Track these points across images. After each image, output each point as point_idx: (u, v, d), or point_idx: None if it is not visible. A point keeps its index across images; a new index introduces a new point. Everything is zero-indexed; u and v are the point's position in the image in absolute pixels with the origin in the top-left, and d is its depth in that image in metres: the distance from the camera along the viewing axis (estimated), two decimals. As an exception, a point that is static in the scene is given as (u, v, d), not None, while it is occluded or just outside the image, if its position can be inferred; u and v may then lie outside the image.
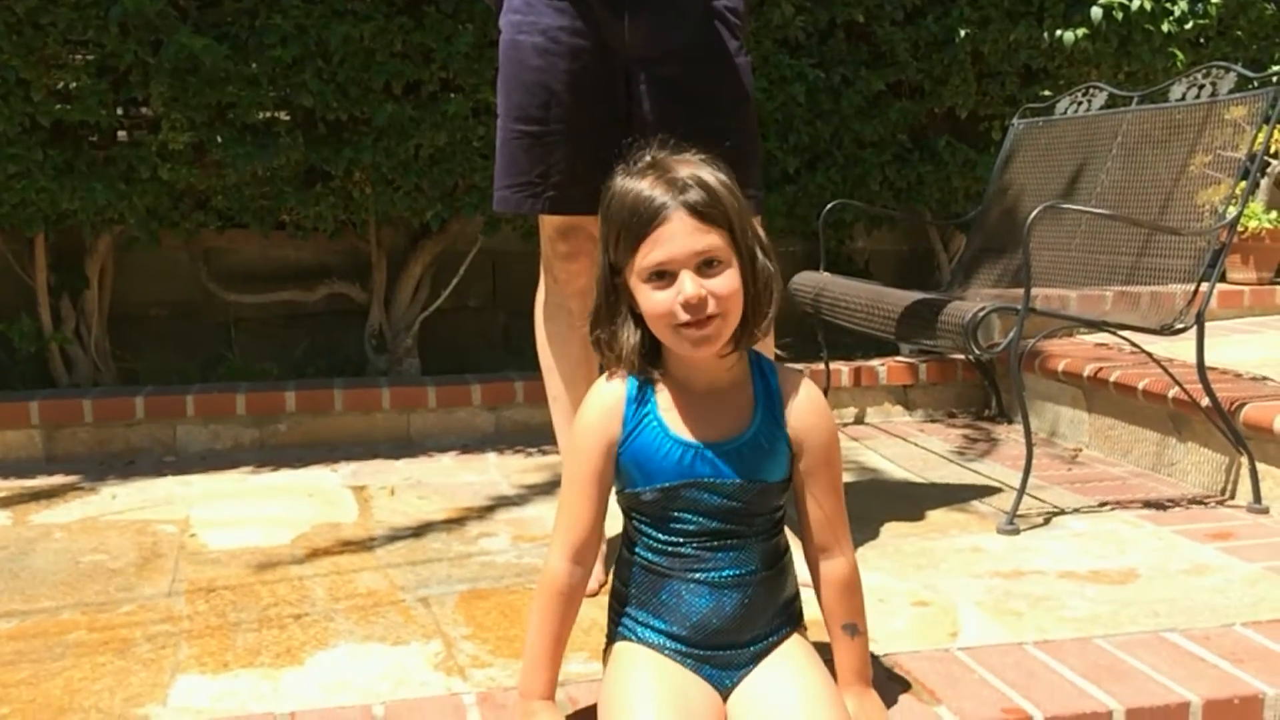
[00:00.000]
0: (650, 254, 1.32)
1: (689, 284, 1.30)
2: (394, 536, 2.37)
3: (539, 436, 3.22)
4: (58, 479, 2.88)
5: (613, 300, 1.40)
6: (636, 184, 1.35)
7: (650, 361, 1.41)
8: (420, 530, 2.41)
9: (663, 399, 1.41)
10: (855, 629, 1.44)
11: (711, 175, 1.35)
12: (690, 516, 1.38)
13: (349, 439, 3.26)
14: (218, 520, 2.49)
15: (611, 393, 1.42)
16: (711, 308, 1.31)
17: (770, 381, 1.43)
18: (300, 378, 3.55)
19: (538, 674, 1.41)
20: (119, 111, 3.31)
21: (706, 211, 1.31)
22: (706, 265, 1.32)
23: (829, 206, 3.31)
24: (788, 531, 1.48)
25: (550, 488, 2.73)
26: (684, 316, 1.31)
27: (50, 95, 3.13)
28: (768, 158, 3.70)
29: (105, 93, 3.17)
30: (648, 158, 1.39)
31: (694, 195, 1.32)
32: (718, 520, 1.38)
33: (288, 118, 3.39)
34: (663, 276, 1.32)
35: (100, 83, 3.15)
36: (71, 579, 2.11)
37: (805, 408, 1.43)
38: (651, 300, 1.33)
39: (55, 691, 1.61)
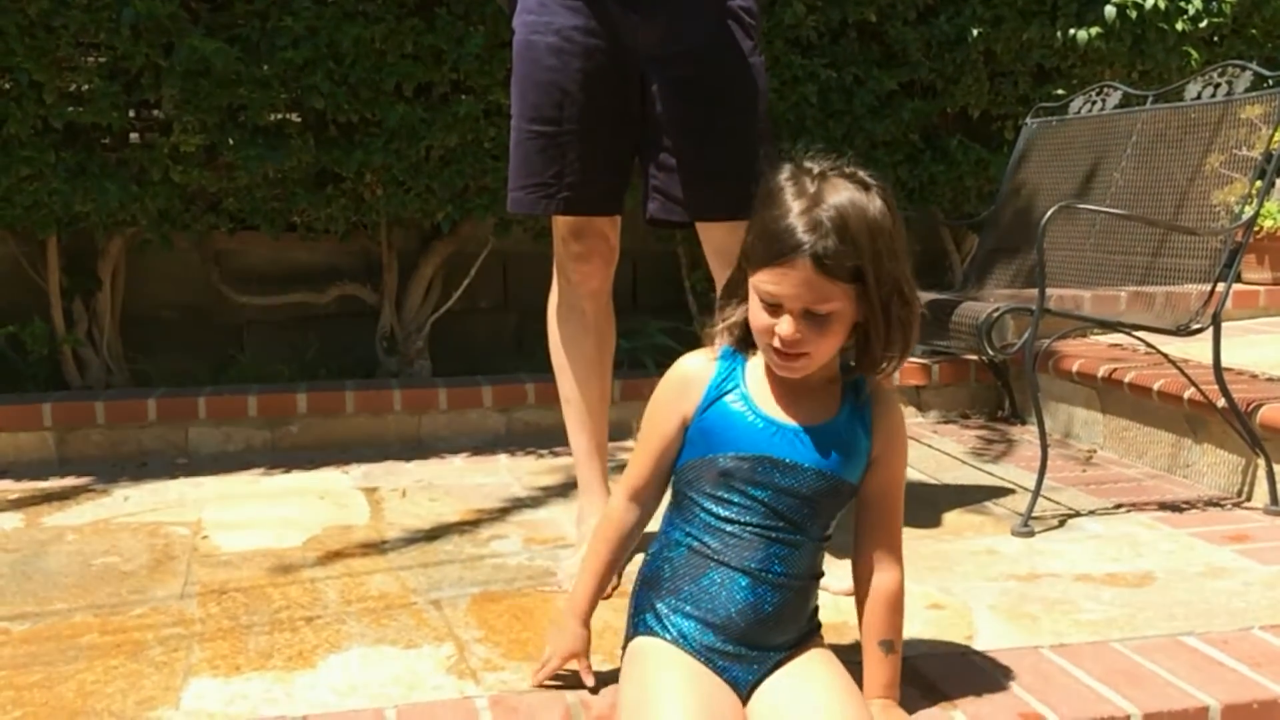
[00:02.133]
0: (767, 282, 1.33)
1: (786, 326, 1.33)
2: (406, 539, 2.36)
3: (551, 438, 3.21)
4: (70, 481, 2.89)
5: (738, 280, 1.42)
6: (789, 203, 1.31)
7: (747, 341, 1.44)
8: (432, 532, 2.40)
9: (752, 377, 1.43)
10: (891, 646, 1.44)
11: (859, 218, 1.30)
12: (760, 494, 1.39)
13: (360, 440, 3.26)
14: (230, 522, 2.49)
15: (695, 365, 1.46)
16: (804, 348, 1.34)
17: (861, 387, 1.44)
18: (311, 379, 3.55)
19: (583, 598, 1.53)
20: (131, 114, 3.32)
21: (834, 268, 1.29)
22: (809, 312, 1.32)
23: (841, 207, 3.29)
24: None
25: (563, 490, 2.72)
26: (777, 344, 1.34)
27: (62, 98, 3.14)
28: (780, 158, 3.68)
29: (117, 95, 3.18)
30: (818, 167, 1.34)
31: (828, 245, 1.28)
32: (783, 506, 1.39)
33: (299, 119, 3.39)
34: (771, 304, 1.34)
35: (112, 85, 3.16)
36: (84, 581, 2.11)
37: (892, 421, 1.44)
38: (757, 315, 1.36)
39: (68, 694, 1.61)
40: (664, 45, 1.95)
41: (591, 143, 1.98)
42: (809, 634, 1.46)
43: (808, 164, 1.35)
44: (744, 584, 1.38)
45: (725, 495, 1.40)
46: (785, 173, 1.36)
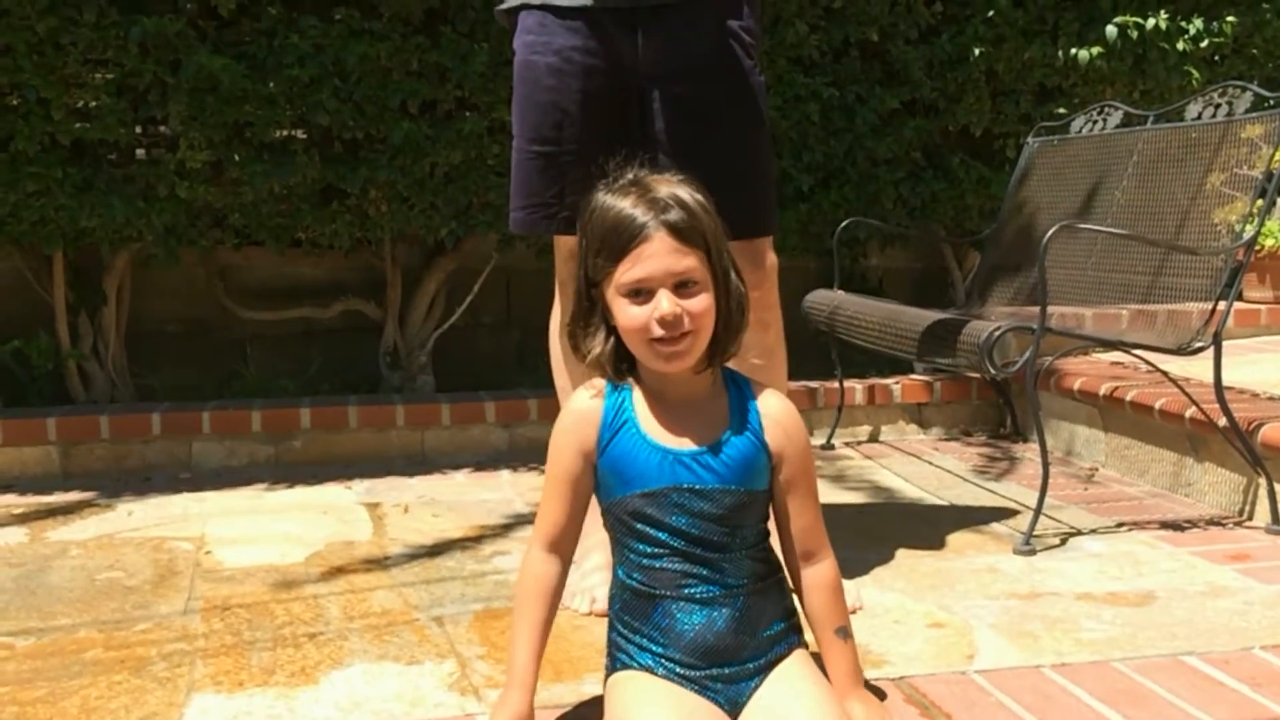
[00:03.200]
0: (630, 271, 1.36)
1: (665, 302, 1.35)
2: (409, 555, 2.37)
3: (553, 454, 3.21)
4: (74, 495, 2.90)
5: (588, 308, 1.44)
6: (618, 201, 1.39)
7: (626, 371, 1.46)
8: (435, 548, 2.41)
9: (640, 408, 1.44)
10: (846, 631, 1.46)
11: (690, 196, 1.40)
12: (676, 523, 1.39)
13: (363, 456, 3.26)
14: (233, 537, 2.50)
15: (586, 403, 1.47)
16: (685, 325, 1.36)
17: (745, 393, 1.47)
18: (315, 395, 3.56)
19: (526, 665, 1.42)
20: (138, 130, 3.34)
21: (686, 232, 1.36)
22: (682, 285, 1.37)
23: (843, 225, 3.31)
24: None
25: (564, 506, 2.72)
26: (658, 332, 1.36)
27: (70, 114, 3.16)
28: (782, 176, 3.70)
29: (125, 111, 3.20)
30: (630, 175, 1.44)
31: (674, 216, 1.36)
32: (701, 530, 1.39)
33: (304, 136, 3.41)
34: (640, 293, 1.37)
35: (120, 102, 3.18)
36: (88, 596, 2.12)
37: (782, 420, 1.46)
38: (628, 314, 1.38)
39: (72, 710, 1.62)
40: (663, 64, 1.96)
41: (591, 162, 1.95)
42: (786, 635, 1.45)
43: (618, 177, 1.44)
44: (693, 609, 1.39)
45: (644, 530, 1.41)
46: (600, 189, 1.43)
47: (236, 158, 3.27)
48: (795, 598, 1.50)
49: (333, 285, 3.76)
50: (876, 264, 4.16)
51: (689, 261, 1.36)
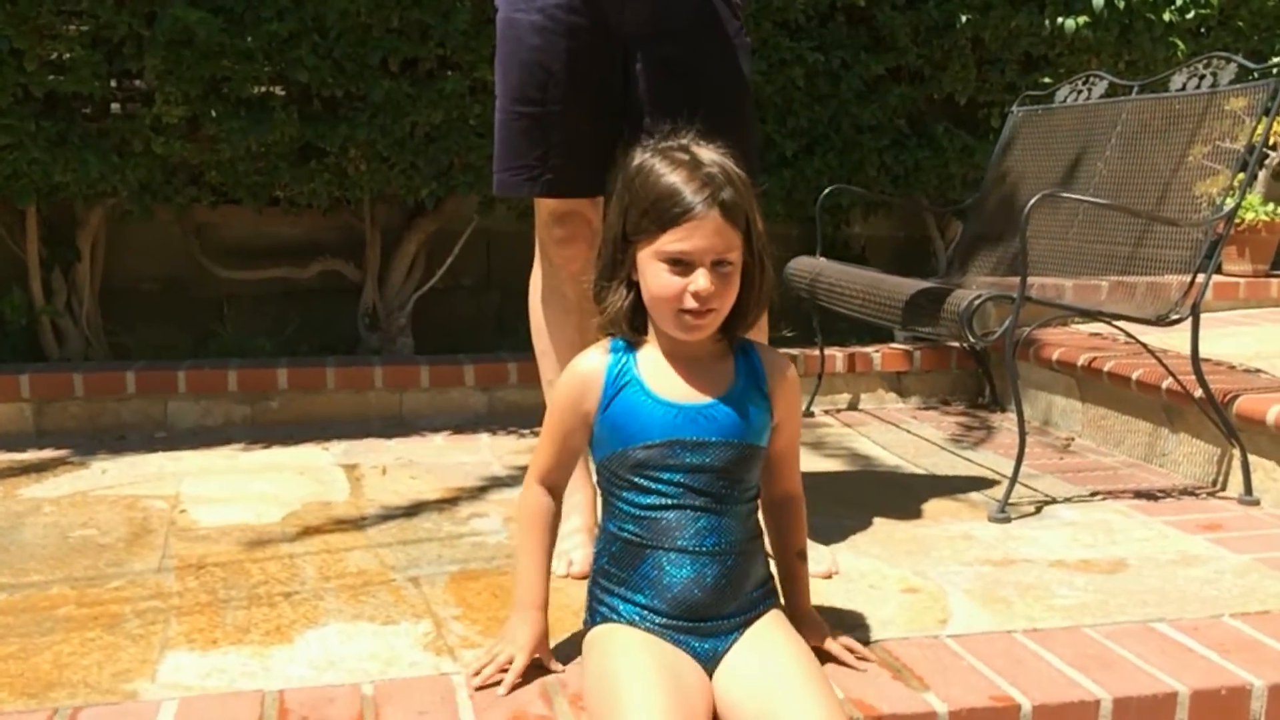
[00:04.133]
0: (675, 242, 1.38)
1: (703, 279, 1.38)
2: (386, 516, 2.36)
3: (532, 417, 3.19)
4: (48, 453, 2.87)
5: (616, 262, 1.46)
6: (671, 170, 1.40)
7: (635, 327, 1.48)
8: (412, 510, 2.41)
9: (646, 365, 1.47)
10: (803, 554, 1.59)
11: (736, 172, 1.42)
12: (674, 477, 1.42)
13: (341, 417, 3.25)
14: (208, 497, 2.48)
15: (590, 365, 1.49)
16: (714, 303, 1.40)
17: (752, 356, 1.51)
18: (293, 355, 3.54)
19: (538, 588, 1.52)
20: (112, 84, 3.29)
21: (734, 214, 1.39)
22: (718, 263, 1.39)
23: (826, 191, 3.30)
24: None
25: (542, 469, 2.72)
26: (691, 304, 1.39)
27: (43, 66, 3.11)
28: (766, 141, 3.68)
29: (99, 64, 3.15)
30: (681, 141, 1.45)
31: (727, 195, 1.38)
32: (700, 483, 1.42)
33: (283, 93, 3.36)
34: (679, 264, 1.38)
35: (94, 54, 3.12)
36: (60, 554, 2.10)
37: (788, 386, 1.51)
38: (663, 281, 1.39)
39: (44, 666, 1.61)
40: (648, 24, 1.93)
41: (575, 123, 1.97)
42: (764, 598, 1.49)
43: (663, 143, 1.45)
44: (684, 562, 1.42)
45: (643, 483, 1.43)
46: (647, 152, 1.44)
47: (213, 114, 3.22)
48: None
49: (311, 245, 3.73)
50: (859, 232, 4.15)
51: (732, 242, 1.39)
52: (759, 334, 2.07)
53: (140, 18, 3.10)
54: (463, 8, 3.29)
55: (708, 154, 1.42)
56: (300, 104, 3.35)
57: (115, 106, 3.35)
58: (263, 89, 3.33)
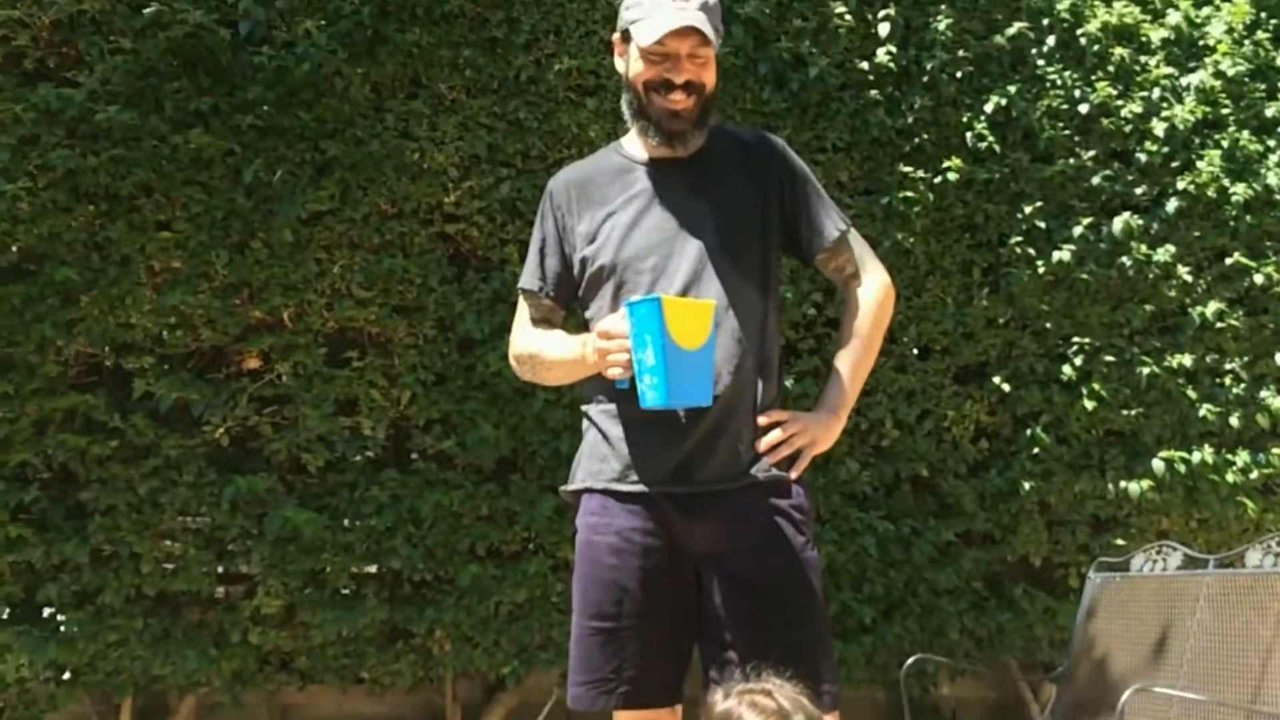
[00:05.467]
0: None
1: None
2: None
3: None
4: None
5: None
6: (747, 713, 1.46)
7: None
8: None
9: None
10: None
11: (815, 714, 1.49)
12: None
13: None
14: None
15: None
16: None
17: None
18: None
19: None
20: (219, 571, 3.48)
21: None
22: None
23: (911, 660, 3.25)
24: None
25: None
26: None
27: (157, 566, 3.31)
28: (842, 609, 3.70)
29: (210, 563, 3.35)
30: (764, 685, 1.54)
31: None
32: None
33: (375, 574, 3.52)
34: None
35: (206, 554, 3.33)
36: None
37: None
38: None
39: None
40: (717, 543, 2.04)
41: (649, 637, 2.03)
42: None
43: (745, 685, 1.53)
44: None
45: None
46: (731, 698, 1.52)
47: (309, 604, 3.36)
48: None
49: (392, 722, 3.72)
50: (948, 694, 4.03)
51: None
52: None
53: (252, 519, 3.35)
54: (548, 496, 3.51)
55: (788, 698, 1.48)
56: (392, 588, 3.50)
57: (220, 591, 3.52)
58: (356, 570, 3.49)
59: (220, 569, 3.50)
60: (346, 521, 3.41)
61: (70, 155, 3.13)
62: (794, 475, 2.08)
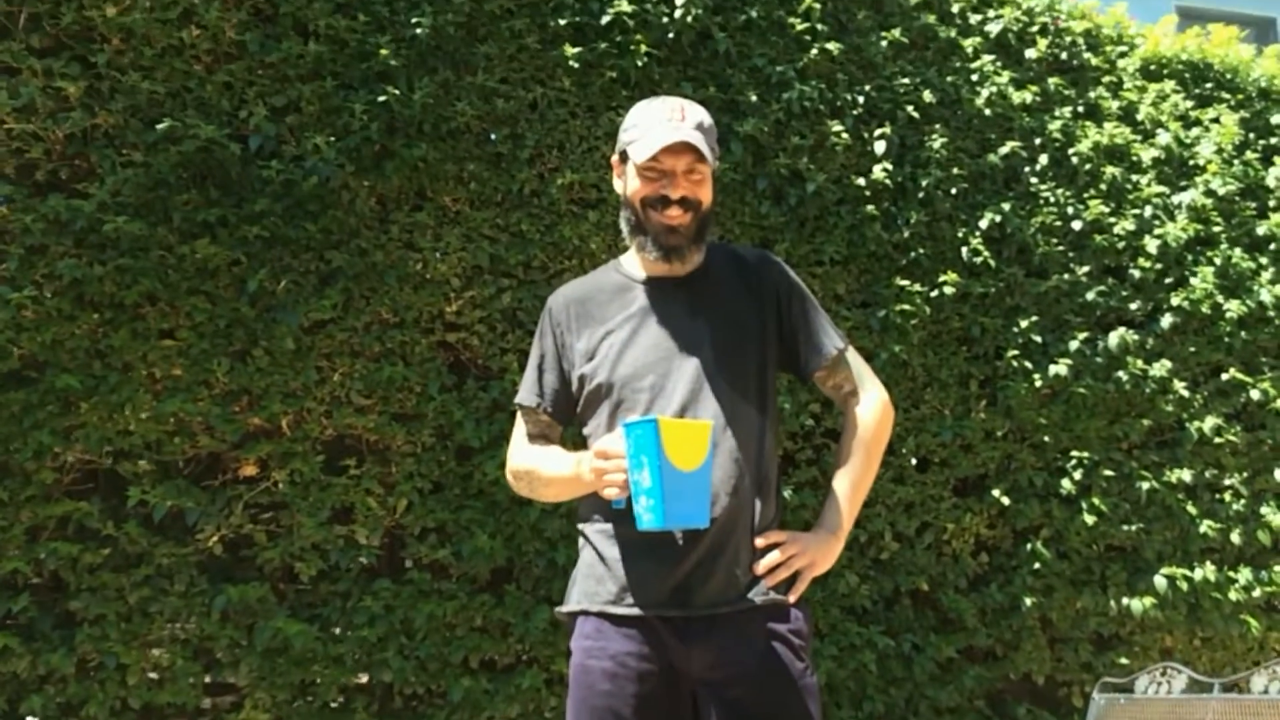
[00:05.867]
0: None
1: None
2: None
3: None
4: None
5: None
6: None
7: None
8: None
9: None
10: None
11: None
12: None
13: None
14: None
15: None
16: None
17: None
18: None
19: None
20: (206, 679, 3.41)
21: None
22: None
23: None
24: None
25: None
26: None
27: (143, 677, 3.25)
28: (843, 728, 3.63)
29: (198, 674, 3.29)
30: None
31: None
32: None
33: (365, 682, 3.45)
34: None
35: (194, 664, 3.28)
36: None
37: None
38: None
39: None
40: (714, 669, 2.01)
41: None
42: None
43: None
44: None
45: None
46: None
47: (297, 716, 3.30)
48: None
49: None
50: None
51: None
52: None
53: (242, 629, 3.30)
54: (543, 608, 3.47)
55: None
56: (382, 700, 3.43)
57: (206, 702, 3.44)
58: (346, 681, 3.42)
59: (208, 679, 3.44)
60: (338, 631, 3.36)
61: (77, 265, 3.16)
62: (793, 598, 2.06)
